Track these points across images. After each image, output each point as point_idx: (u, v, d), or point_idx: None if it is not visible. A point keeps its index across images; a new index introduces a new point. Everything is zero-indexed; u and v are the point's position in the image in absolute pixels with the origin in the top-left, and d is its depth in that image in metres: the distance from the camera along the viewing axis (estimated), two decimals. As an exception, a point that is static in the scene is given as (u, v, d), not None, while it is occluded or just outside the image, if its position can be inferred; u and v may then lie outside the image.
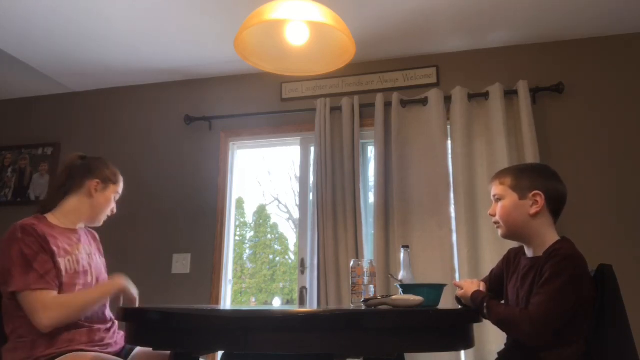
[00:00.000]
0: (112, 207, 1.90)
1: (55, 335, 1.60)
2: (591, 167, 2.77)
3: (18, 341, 1.59)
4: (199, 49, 3.10)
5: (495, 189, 1.60)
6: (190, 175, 3.34)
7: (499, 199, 1.58)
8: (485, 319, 1.51)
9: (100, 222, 1.89)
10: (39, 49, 3.07)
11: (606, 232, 2.66)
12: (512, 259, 1.66)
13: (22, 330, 1.60)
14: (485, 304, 1.49)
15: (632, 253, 2.60)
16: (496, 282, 1.70)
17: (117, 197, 1.91)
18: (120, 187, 1.92)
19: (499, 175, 1.62)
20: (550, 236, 1.52)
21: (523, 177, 1.56)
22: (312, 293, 2.85)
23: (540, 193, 1.51)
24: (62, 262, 1.66)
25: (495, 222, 1.61)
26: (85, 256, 1.79)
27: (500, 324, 1.47)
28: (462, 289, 1.64)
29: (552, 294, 1.38)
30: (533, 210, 1.51)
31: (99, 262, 1.88)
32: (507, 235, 1.59)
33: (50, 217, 1.76)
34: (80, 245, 1.79)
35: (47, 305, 1.57)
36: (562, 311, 1.38)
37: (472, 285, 1.62)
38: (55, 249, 1.65)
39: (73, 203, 1.80)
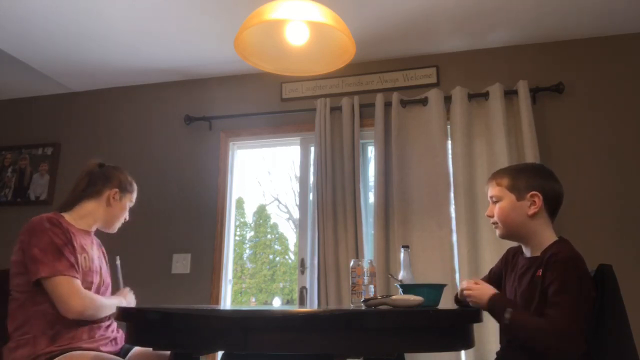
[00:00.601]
0: (125, 215, 1.96)
1: (57, 332, 1.61)
2: (591, 166, 2.77)
3: (20, 339, 1.59)
4: (199, 49, 3.10)
5: (492, 190, 1.60)
6: (190, 175, 3.33)
7: (496, 200, 1.58)
8: (500, 323, 1.45)
9: (114, 229, 1.96)
10: (39, 49, 3.07)
11: (606, 232, 2.66)
12: (510, 258, 1.66)
13: (28, 326, 1.61)
14: (508, 310, 1.42)
15: (632, 253, 2.60)
16: (495, 281, 1.70)
17: (131, 205, 1.98)
18: (135, 195, 1.99)
19: (496, 176, 1.62)
20: (547, 236, 1.52)
21: (520, 177, 1.55)
22: (312, 293, 2.85)
23: (538, 193, 1.51)
24: (80, 258, 1.71)
25: (494, 223, 1.61)
26: (96, 258, 1.84)
27: (524, 335, 1.41)
28: (470, 290, 1.56)
29: (571, 302, 1.36)
30: (531, 210, 1.51)
31: (105, 267, 1.93)
32: (506, 236, 1.59)
33: (67, 217, 1.80)
34: (93, 246, 1.86)
35: (80, 293, 1.64)
36: (585, 312, 1.38)
37: (487, 287, 1.54)
38: (75, 244, 1.71)
39: (89, 207, 1.85)
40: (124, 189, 1.92)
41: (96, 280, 1.78)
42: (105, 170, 1.92)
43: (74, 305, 1.61)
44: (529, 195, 1.52)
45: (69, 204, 1.84)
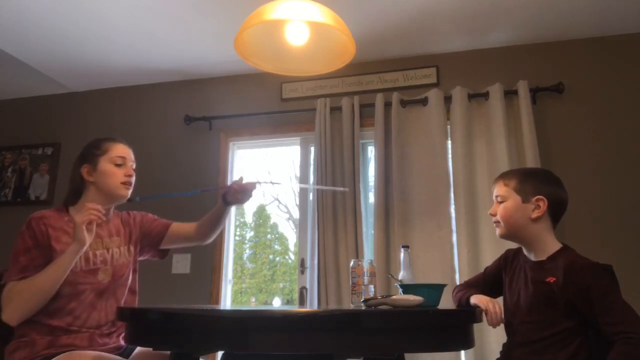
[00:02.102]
0: (122, 174, 1.76)
1: (55, 338, 1.59)
2: (591, 166, 2.77)
3: (20, 340, 1.59)
4: (199, 49, 3.10)
5: (499, 190, 1.60)
6: (190, 175, 3.33)
7: (501, 200, 1.58)
8: None
9: (123, 195, 1.77)
10: (39, 49, 3.07)
11: (606, 232, 2.66)
12: (510, 258, 1.67)
13: (24, 329, 1.60)
14: None
15: (632, 253, 2.60)
16: (491, 280, 1.71)
17: (120, 160, 1.77)
18: (114, 151, 1.78)
19: (504, 176, 1.62)
20: (550, 241, 1.54)
21: (528, 181, 1.57)
22: (312, 293, 2.85)
23: (544, 198, 1.53)
24: None
25: (496, 222, 1.61)
26: (103, 251, 1.72)
27: None
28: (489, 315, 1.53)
29: (621, 303, 1.39)
30: (535, 214, 1.53)
31: (122, 256, 1.78)
32: (505, 236, 1.60)
33: (72, 210, 1.74)
34: (97, 240, 1.72)
35: (8, 297, 1.55)
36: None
37: None
38: (55, 245, 1.63)
39: (85, 198, 1.76)
40: (91, 158, 1.76)
41: (92, 279, 1.66)
42: (76, 157, 1.82)
43: (5, 317, 1.54)
44: (534, 199, 1.53)
45: (70, 200, 1.77)
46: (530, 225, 1.54)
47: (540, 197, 1.53)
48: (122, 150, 1.82)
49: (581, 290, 1.41)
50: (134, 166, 1.85)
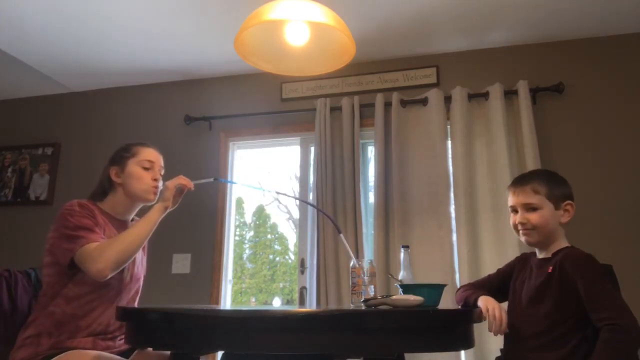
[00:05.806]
0: (150, 177, 1.79)
1: (59, 340, 1.59)
2: (591, 166, 2.77)
3: (26, 339, 1.59)
4: (198, 49, 3.10)
5: (529, 198, 1.56)
6: (190, 175, 3.31)
7: (535, 208, 1.56)
8: None
9: (149, 198, 1.80)
10: (39, 49, 3.07)
11: (606, 232, 2.66)
12: (525, 261, 1.69)
13: (33, 326, 1.60)
14: None
15: (632, 253, 2.60)
16: (502, 279, 1.71)
17: (148, 164, 1.80)
18: (143, 154, 1.80)
19: (530, 182, 1.59)
20: (562, 240, 1.59)
21: (556, 187, 1.59)
22: (312, 293, 2.86)
23: (572, 203, 1.58)
24: None
25: (528, 229, 1.57)
26: None
27: (615, 353, 1.36)
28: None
29: (609, 292, 1.42)
30: (565, 219, 1.57)
31: (140, 264, 1.83)
32: (538, 243, 1.60)
33: (101, 205, 1.76)
34: None
35: (96, 252, 1.54)
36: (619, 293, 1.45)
37: None
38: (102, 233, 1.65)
39: (112, 198, 1.78)
40: (121, 160, 1.78)
41: (118, 276, 1.67)
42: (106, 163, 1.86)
43: (97, 268, 1.52)
44: (564, 204, 1.57)
45: (98, 196, 1.78)
46: (557, 229, 1.58)
47: (569, 202, 1.57)
48: (151, 154, 1.84)
49: (572, 277, 1.44)
50: (162, 172, 1.87)
